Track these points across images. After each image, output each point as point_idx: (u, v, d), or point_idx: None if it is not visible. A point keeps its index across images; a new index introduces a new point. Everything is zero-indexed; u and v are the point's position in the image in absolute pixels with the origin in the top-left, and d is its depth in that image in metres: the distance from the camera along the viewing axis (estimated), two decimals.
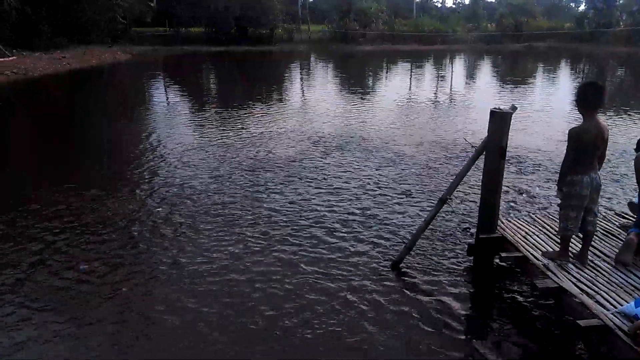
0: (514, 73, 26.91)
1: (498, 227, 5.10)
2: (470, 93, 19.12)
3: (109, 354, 3.95)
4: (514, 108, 4.78)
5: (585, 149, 4.00)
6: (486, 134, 4.86)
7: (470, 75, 26.40)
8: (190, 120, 13.33)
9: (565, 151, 4.13)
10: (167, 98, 17.61)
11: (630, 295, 3.80)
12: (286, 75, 26.10)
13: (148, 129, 12.19)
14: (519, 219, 5.48)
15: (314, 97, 17.47)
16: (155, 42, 38.09)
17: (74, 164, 9.39)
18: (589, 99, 4.00)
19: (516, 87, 19.86)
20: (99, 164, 9.37)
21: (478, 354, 3.93)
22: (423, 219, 5.44)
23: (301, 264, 5.29)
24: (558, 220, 4.43)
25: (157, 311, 4.47)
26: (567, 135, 4.10)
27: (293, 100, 16.91)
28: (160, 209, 6.81)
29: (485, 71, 28.68)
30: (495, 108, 4.77)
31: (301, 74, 26.16)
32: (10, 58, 25.22)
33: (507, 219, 5.38)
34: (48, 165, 9.27)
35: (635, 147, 4.82)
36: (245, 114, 13.83)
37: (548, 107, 15.13)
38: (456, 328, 4.25)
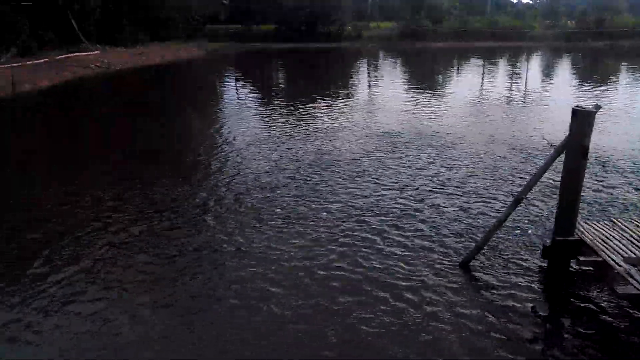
0: (594, 71, 25.53)
1: (576, 230, 4.91)
2: (546, 91, 18.37)
3: (182, 334, 4.15)
4: (597, 107, 4.59)
5: None
6: (565, 133, 4.69)
7: (548, 73, 25.35)
8: (260, 114, 13.77)
9: None
10: (238, 92, 18.31)
11: None
12: (354, 71, 26.13)
13: (219, 122, 12.72)
14: (598, 223, 5.24)
15: (382, 94, 17.42)
16: (227, 39, 39.15)
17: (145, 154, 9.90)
18: None
19: (596, 86, 18.85)
20: (171, 153, 9.82)
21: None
22: (495, 219, 5.31)
23: (366, 260, 5.31)
24: None
25: (224, 294, 4.67)
26: None
27: (360, 96, 16.97)
28: (227, 199, 7.05)
29: (564, 69, 27.44)
30: (577, 107, 4.59)
31: (369, 71, 26.15)
32: (94, 53, 26.75)
33: (585, 222, 5.16)
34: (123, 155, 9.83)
35: None
36: (313, 108, 14.03)
37: (630, 107, 14.25)
38: (525, 333, 4.15)
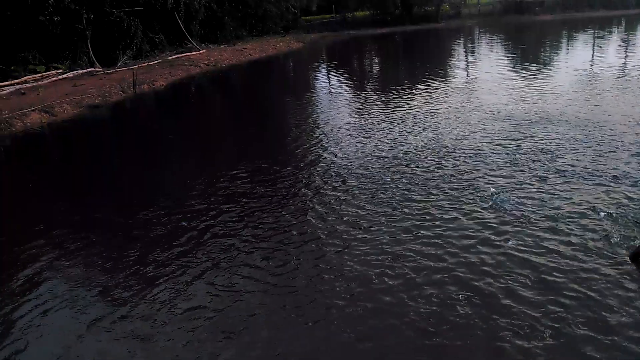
0: None
1: None
2: None
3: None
4: None
5: None
6: None
7: None
8: (357, 102, 13.61)
9: None
10: (334, 82, 18.07)
11: None
12: (452, 53, 24.87)
13: (316, 112, 12.72)
14: None
15: (486, 74, 16.17)
16: (323, 29, 39.26)
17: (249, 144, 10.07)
18: None
19: None
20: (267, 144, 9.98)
21: None
22: None
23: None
24: None
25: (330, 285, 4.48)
26: None
27: (462, 78, 16.16)
28: (320, 196, 6.86)
29: None
30: None
31: (468, 51, 24.74)
32: (201, 52, 27.89)
33: None
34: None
35: None
36: (412, 94, 13.50)
37: None
38: None
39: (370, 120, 10.85)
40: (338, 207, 6.30)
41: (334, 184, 7.16)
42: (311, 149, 9.19)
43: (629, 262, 4.55)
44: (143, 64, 22.83)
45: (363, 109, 12.31)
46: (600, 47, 21.63)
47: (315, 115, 12.35)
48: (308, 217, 6.09)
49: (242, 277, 4.89)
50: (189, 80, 20.58)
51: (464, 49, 25.83)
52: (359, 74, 19.99)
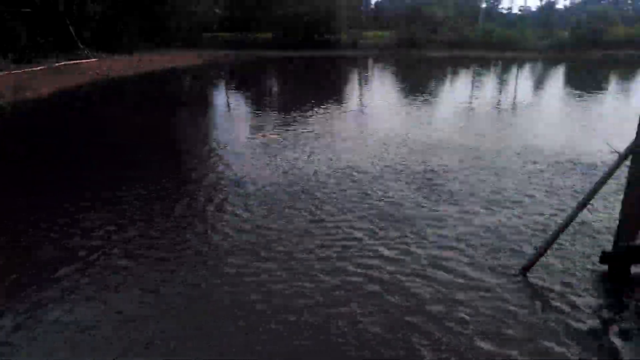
0: (593, 82, 25.68)
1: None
2: (540, 101, 18.41)
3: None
4: None
5: None
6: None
7: (551, 84, 25.50)
8: (257, 121, 13.52)
9: None
10: (233, 101, 18.00)
11: None
12: (349, 80, 26.00)
13: (214, 130, 12.63)
14: None
15: (380, 102, 17.09)
16: (225, 47, 39.10)
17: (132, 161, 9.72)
18: None
19: (594, 95, 19.04)
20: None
21: None
22: (558, 224, 5.24)
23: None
24: None
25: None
26: None
27: (358, 104, 16.87)
28: (217, 216, 6.90)
29: (558, 79, 27.69)
30: None
31: (364, 80, 25.89)
32: (93, 60, 26.51)
33: None
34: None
35: None
36: (312, 117, 13.78)
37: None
38: (586, 334, 4.14)
39: (272, 143, 10.89)
40: (238, 226, 6.26)
41: (231, 203, 7.08)
42: (207, 167, 9.03)
43: (520, 275, 5.02)
44: (27, 69, 21.19)
45: (262, 129, 12.34)
46: (479, 83, 23.78)
47: (213, 134, 12.19)
48: (206, 236, 5.99)
49: (135, 300, 4.66)
50: (75, 90, 19.34)
51: (361, 78, 26.98)
52: (259, 95, 20.05)
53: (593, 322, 4.30)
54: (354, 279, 4.94)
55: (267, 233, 5.98)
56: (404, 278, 4.96)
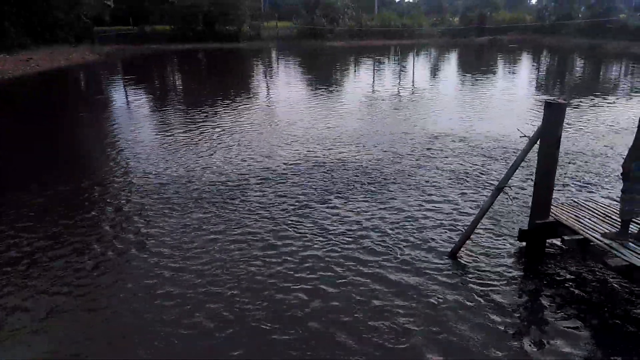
0: (483, 65, 27.50)
1: (551, 213, 5.37)
2: (437, 85, 19.51)
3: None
4: (566, 99, 5.04)
5: None
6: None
7: (448, 68, 26.96)
8: (160, 119, 13.14)
9: (634, 138, 4.37)
10: (135, 98, 17.14)
11: None
12: (253, 72, 25.78)
13: (116, 129, 12.02)
14: (566, 204, 5.78)
15: (281, 95, 17.13)
16: (120, 41, 37.16)
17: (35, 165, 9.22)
18: None
19: (486, 78, 20.51)
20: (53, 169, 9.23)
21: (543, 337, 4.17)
22: (479, 209, 5.66)
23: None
24: (620, 204, 4.68)
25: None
26: (637, 123, 4.34)
27: (263, 98, 16.84)
28: (125, 218, 6.80)
29: (462, 63, 29.40)
30: (551, 100, 5.01)
31: (268, 72, 25.80)
32: None
33: (556, 205, 5.62)
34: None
35: None
36: (216, 112, 13.64)
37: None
38: (515, 310, 4.54)
39: (173, 139, 10.72)
40: (143, 227, 6.16)
41: (136, 203, 6.94)
42: (111, 169, 8.77)
43: (449, 258, 5.39)
44: None
45: (166, 126, 12.03)
46: (380, 71, 24.67)
47: (115, 133, 11.63)
48: (113, 239, 5.84)
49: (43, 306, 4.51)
50: None
51: (265, 70, 26.86)
52: (161, 91, 19.34)
53: (514, 293, 4.76)
54: (254, 269, 5.05)
55: (158, 232, 5.91)
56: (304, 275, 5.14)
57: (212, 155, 9.45)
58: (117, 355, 3.99)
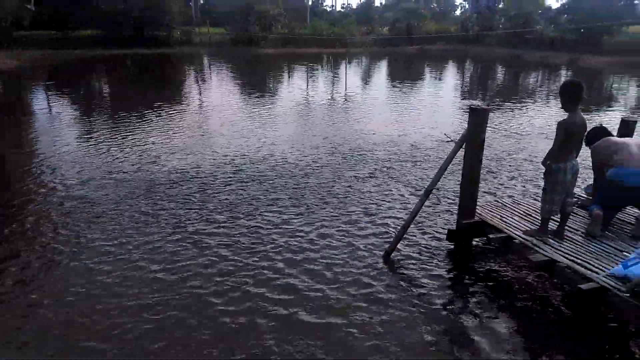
0: (412, 73, 28.45)
1: (477, 213, 5.65)
2: (376, 94, 20.02)
3: None
4: (489, 105, 5.33)
5: (570, 139, 4.59)
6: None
7: (378, 76, 27.62)
8: (86, 128, 12.59)
9: (553, 141, 4.68)
10: (59, 106, 16.41)
11: (610, 260, 4.46)
12: (185, 79, 25.28)
13: (34, 139, 11.40)
14: (490, 204, 6.09)
15: (214, 102, 16.93)
16: (44, 46, 35.28)
17: None
18: (572, 93, 4.59)
19: (416, 86, 21.24)
20: None
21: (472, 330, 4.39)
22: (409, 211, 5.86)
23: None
24: (541, 203, 4.99)
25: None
26: (556, 127, 4.65)
27: (196, 105, 16.53)
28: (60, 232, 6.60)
29: (392, 71, 30.22)
30: (474, 105, 5.29)
31: (200, 79, 25.35)
32: None
33: (480, 205, 5.92)
34: None
35: (586, 140, 5.46)
36: (148, 121, 13.26)
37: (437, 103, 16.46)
38: (446, 306, 4.74)
39: (103, 148, 10.36)
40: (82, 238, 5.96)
41: (57, 211, 6.71)
42: (30, 178, 8.34)
43: (382, 260, 5.55)
44: None
45: (92, 136, 11.56)
46: (314, 79, 24.95)
47: (35, 142, 11.09)
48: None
49: None
50: None
51: (197, 75, 26.42)
52: (88, 98, 18.52)
53: (442, 290, 4.98)
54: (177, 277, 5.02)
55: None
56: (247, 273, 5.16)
57: (136, 164, 9.17)
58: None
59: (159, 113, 14.31)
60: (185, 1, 51.63)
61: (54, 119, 13.79)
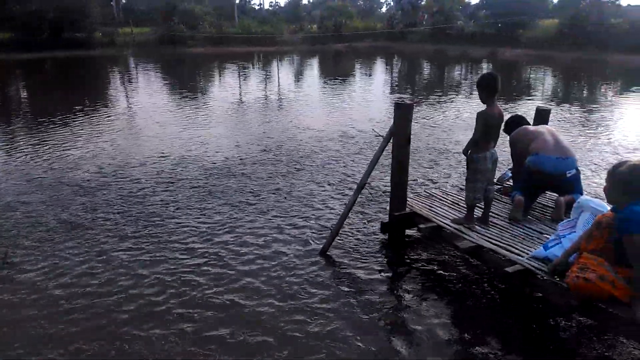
0: (342, 70, 28.79)
1: (408, 205, 5.79)
2: (299, 90, 20.14)
3: None
4: (413, 100, 5.48)
5: (489, 129, 4.80)
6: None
7: (310, 74, 27.74)
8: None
9: (473, 132, 4.88)
10: None
11: (532, 243, 4.70)
12: (110, 82, 24.25)
13: None
14: (420, 196, 6.27)
15: (141, 104, 16.40)
16: None
17: None
18: (490, 86, 4.79)
19: (346, 83, 21.56)
20: None
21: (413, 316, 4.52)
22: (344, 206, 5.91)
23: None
24: (465, 192, 5.19)
25: None
26: (476, 118, 4.85)
27: (123, 108, 16.00)
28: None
29: (322, 69, 30.42)
30: (399, 101, 5.41)
31: (126, 80, 24.43)
32: None
33: (411, 197, 6.07)
34: None
35: (504, 129, 5.73)
36: (69, 127, 12.60)
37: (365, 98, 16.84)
38: (382, 296, 4.83)
39: (18, 154, 9.86)
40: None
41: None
42: None
43: (319, 256, 5.58)
44: None
45: (8, 143, 10.97)
46: (245, 77, 24.73)
47: None
48: None
49: None
50: None
51: (122, 78, 25.47)
52: (3, 106, 17.39)
53: (378, 281, 5.06)
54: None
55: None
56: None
57: (53, 169, 8.74)
58: None
59: (82, 117, 13.69)
60: (108, 1, 49.78)
61: None
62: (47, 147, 10.41)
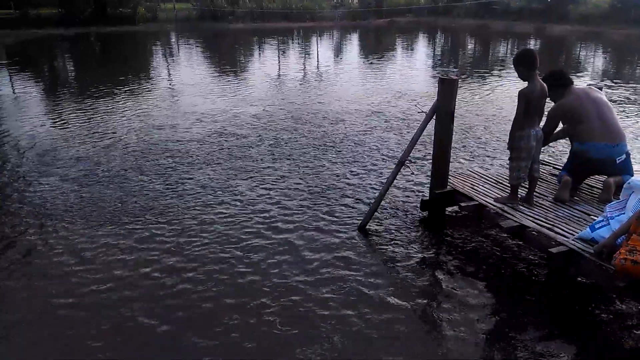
0: (383, 45, 28.34)
1: (449, 183, 5.72)
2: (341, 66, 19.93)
3: None
4: (459, 75, 5.36)
5: (532, 106, 4.67)
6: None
7: (350, 49, 27.43)
8: (53, 110, 12.20)
9: (516, 111, 4.75)
10: (20, 87, 15.94)
11: (578, 224, 4.57)
12: (154, 57, 24.60)
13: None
14: (462, 174, 6.17)
15: (192, 79, 16.75)
16: (2, 26, 33.90)
17: None
18: (529, 62, 4.66)
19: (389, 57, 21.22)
20: None
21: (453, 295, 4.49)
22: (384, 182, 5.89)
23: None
24: (509, 171, 5.08)
25: None
26: (517, 96, 4.72)
27: (167, 82, 16.25)
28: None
29: (363, 45, 30.02)
30: (443, 75, 5.30)
31: (169, 56, 24.67)
32: None
33: (453, 175, 5.97)
34: None
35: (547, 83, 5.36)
36: (118, 100, 13.06)
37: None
38: (422, 274, 4.81)
39: (69, 130, 10.08)
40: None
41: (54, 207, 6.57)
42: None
43: (357, 231, 5.59)
44: None
45: (58, 118, 11.23)
46: (284, 53, 24.65)
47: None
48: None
49: None
50: None
51: (165, 53, 25.80)
52: (52, 79, 17.94)
53: (417, 259, 5.04)
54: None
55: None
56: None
57: (116, 140, 9.01)
58: None
59: (128, 90, 14.02)
60: None
61: (16, 99, 13.36)
62: (96, 119, 10.73)
